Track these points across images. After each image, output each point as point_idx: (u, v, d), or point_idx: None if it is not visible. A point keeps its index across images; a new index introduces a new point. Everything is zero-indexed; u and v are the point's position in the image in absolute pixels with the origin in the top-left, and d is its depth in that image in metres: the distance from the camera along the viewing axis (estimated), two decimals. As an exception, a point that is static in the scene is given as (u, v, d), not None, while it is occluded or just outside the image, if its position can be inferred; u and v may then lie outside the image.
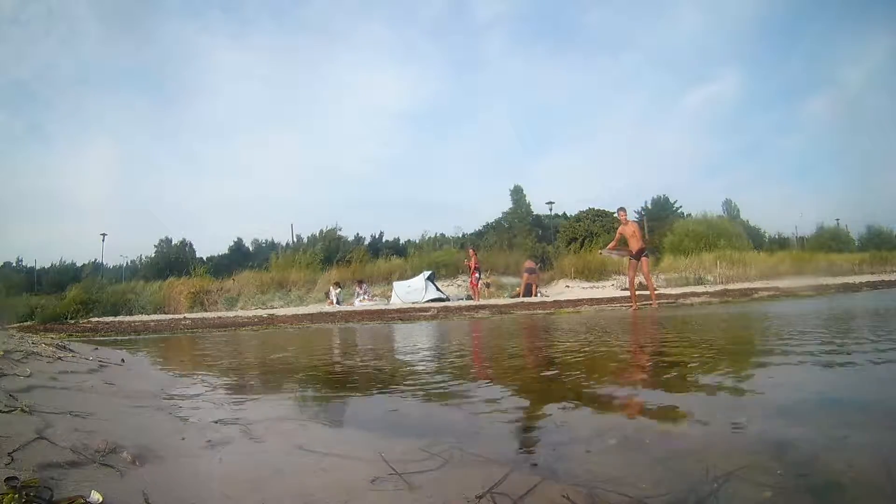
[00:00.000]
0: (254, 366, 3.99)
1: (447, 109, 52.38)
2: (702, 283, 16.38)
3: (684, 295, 11.56)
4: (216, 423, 1.87)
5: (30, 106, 41.20)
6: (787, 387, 2.05)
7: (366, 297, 15.51)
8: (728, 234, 20.34)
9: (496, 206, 32.38)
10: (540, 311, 9.47)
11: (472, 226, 30.26)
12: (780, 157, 44.27)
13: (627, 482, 1.14)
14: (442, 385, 2.60)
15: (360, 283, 16.37)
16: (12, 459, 1.15)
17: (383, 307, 13.33)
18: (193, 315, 14.21)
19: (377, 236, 32.69)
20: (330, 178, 51.77)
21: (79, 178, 46.87)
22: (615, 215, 14.04)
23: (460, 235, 26.21)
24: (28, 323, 13.82)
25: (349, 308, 13.61)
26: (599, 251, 13.11)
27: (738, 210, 28.76)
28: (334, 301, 15.64)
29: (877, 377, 2.15)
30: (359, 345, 5.62)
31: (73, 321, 13.69)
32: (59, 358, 3.10)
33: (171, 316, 14.77)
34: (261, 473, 1.32)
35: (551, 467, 1.29)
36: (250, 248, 33.97)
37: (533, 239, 24.81)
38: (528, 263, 16.00)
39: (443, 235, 28.64)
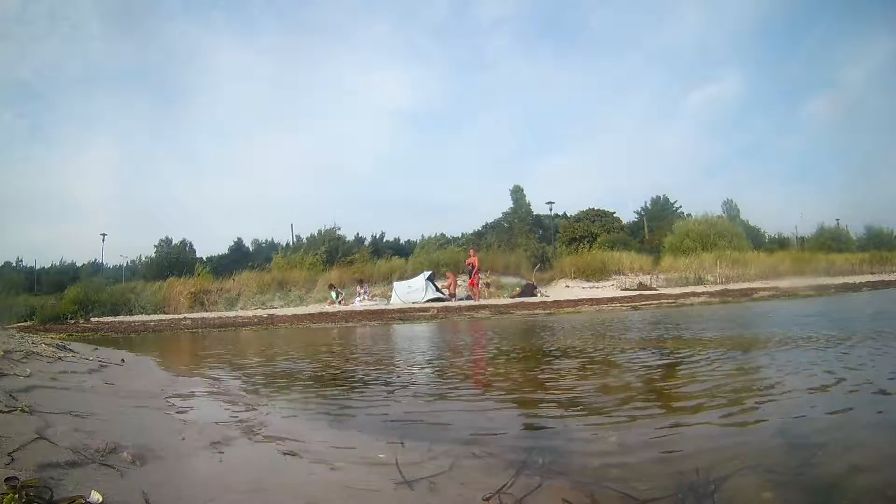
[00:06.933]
0: (253, 366, 3.99)
1: (448, 110, 52.58)
2: (702, 283, 16.37)
3: (684, 295, 11.55)
4: (216, 423, 1.87)
5: (31, 106, 41.40)
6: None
7: (366, 296, 15.49)
8: (728, 234, 20.33)
9: (496, 206, 32.48)
10: (540, 311, 9.47)
11: (472, 226, 30.37)
12: (780, 157, 44.53)
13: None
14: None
15: (361, 282, 16.36)
16: (12, 459, 1.15)
17: (383, 307, 13.32)
18: (193, 315, 14.20)
19: (378, 236, 32.72)
20: (330, 178, 51.98)
21: (80, 179, 47.08)
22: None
23: (459, 235, 26.25)
24: (28, 323, 13.81)
25: (349, 308, 13.60)
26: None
27: (738, 210, 28.82)
28: (335, 301, 15.63)
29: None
30: (358, 347, 5.61)
31: (72, 321, 13.66)
32: (60, 358, 3.10)
33: (171, 316, 14.76)
34: (260, 474, 1.32)
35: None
36: (250, 248, 34.01)
37: (533, 239, 24.84)
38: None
39: (443, 235, 28.72)
